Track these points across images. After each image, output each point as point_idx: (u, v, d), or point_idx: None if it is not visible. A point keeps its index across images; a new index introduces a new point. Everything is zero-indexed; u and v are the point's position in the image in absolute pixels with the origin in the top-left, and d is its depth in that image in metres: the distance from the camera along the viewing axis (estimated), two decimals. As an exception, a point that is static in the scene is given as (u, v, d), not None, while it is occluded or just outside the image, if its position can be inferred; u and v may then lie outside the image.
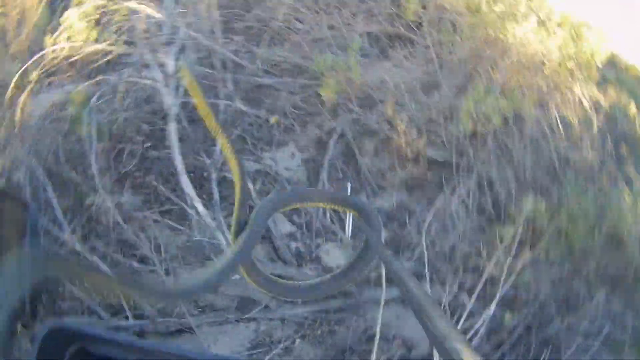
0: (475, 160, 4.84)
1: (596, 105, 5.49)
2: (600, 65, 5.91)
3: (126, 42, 4.85)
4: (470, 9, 5.22)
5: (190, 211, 4.07)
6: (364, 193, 4.75)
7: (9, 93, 4.41)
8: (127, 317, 3.67)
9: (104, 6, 5.05)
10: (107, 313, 3.71)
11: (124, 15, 5.08)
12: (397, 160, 4.84)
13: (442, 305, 3.96)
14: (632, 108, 5.89)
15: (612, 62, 6.39)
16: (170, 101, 3.81)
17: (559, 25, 6.02)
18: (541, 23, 5.85)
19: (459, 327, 3.05)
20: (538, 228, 4.49)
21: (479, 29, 5.23)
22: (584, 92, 5.54)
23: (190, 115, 4.74)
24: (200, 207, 4.00)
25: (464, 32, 5.19)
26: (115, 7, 4.88)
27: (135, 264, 3.93)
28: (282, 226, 4.40)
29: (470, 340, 3.20)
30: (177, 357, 1.13)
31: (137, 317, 3.72)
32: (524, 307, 4.16)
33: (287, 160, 4.87)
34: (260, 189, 4.55)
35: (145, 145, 4.75)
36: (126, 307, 3.67)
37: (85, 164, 4.24)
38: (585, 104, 5.47)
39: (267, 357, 3.77)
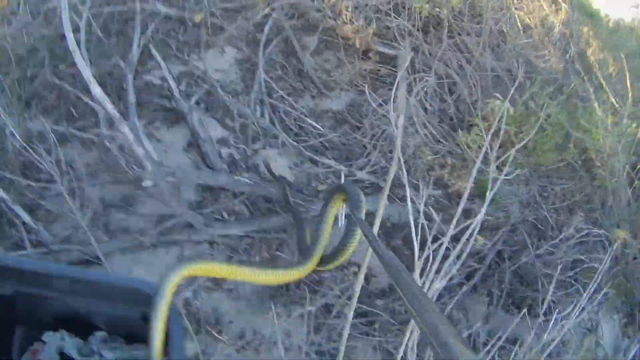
0: (432, 56, 4.19)
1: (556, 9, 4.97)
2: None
3: None
4: None
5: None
6: (307, 94, 4.04)
7: None
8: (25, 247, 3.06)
9: None
10: (4, 243, 3.11)
11: None
12: (344, 56, 4.14)
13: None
14: (586, 27, 5.49)
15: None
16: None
17: None
18: None
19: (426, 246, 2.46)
20: (506, 140, 3.93)
21: None
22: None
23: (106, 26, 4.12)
24: (116, 115, 3.22)
25: None
26: None
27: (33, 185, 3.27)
28: (213, 130, 3.65)
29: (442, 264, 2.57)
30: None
31: (37, 246, 3.10)
32: (494, 230, 3.68)
33: (217, 62, 4.13)
34: (186, 90, 3.81)
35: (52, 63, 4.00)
36: (25, 236, 3.06)
37: None
38: (545, 7, 4.95)
39: (192, 289, 3.10)
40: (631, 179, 4.09)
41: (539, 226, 3.82)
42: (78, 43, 3.24)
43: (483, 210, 2.82)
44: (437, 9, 4.11)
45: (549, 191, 4.06)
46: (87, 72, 2.99)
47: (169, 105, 3.71)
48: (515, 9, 4.81)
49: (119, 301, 1.42)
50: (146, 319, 1.33)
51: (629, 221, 3.96)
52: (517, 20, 4.70)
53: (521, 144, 3.28)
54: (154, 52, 3.81)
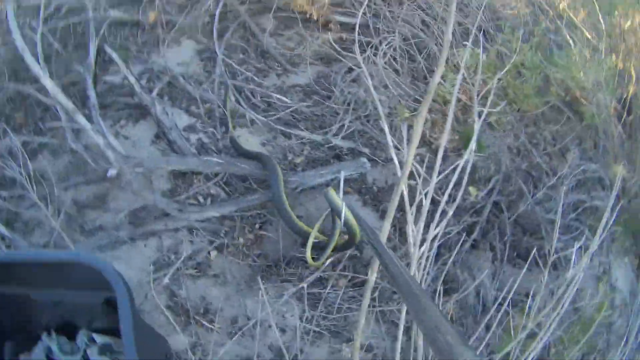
0: (394, 20, 4.06)
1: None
2: None
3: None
4: None
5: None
6: (273, 73, 3.91)
7: None
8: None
9: None
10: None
11: None
12: (304, 30, 4.02)
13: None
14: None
15: None
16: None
17: None
18: None
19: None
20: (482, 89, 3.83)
21: None
22: None
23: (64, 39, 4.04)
24: (69, 107, 3.17)
25: None
26: None
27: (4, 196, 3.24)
28: (179, 119, 3.53)
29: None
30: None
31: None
32: (487, 181, 3.58)
33: (178, 57, 4.03)
34: (148, 85, 3.73)
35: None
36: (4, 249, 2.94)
37: None
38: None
39: (170, 275, 2.98)
40: (619, 114, 4.01)
41: (533, 173, 3.71)
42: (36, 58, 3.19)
43: (468, 152, 2.71)
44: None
45: (538, 137, 3.93)
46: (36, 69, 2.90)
47: (132, 101, 3.60)
48: None
49: (83, 287, 1.34)
50: (110, 304, 1.23)
51: (624, 156, 3.85)
52: None
53: (497, 78, 3.13)
54: (109, 50, 3.70)
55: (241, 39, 4.11)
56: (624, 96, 3.99)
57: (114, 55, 3.68)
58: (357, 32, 2.87)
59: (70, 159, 3.41)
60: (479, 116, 3.55)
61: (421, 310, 1.17)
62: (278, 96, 3.63)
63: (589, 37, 4.07)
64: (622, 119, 3.99)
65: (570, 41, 4.02)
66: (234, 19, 4.13)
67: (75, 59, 3.84)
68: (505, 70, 3.19)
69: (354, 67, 3.83)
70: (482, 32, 4.23)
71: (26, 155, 3.11)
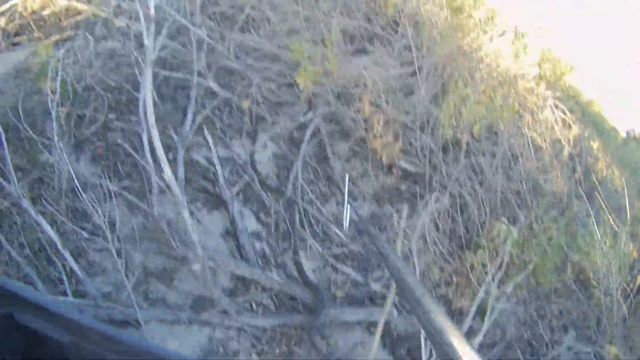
0: (449, 177, 4.43)
1: (566, 132, 5.23)
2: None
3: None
4: (451, 10, 4.82)
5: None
6: (333, 200, 4.26)
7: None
8: (65, 293, 3.14)
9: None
10: (45, 285, 3.17)
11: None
12: (370, 167, 4.38)
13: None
14: (596, 142, 5.72)
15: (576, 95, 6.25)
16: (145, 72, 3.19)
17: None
18: (517, 38, 5.58)
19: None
20: (509, 261, 4.15)
21: (457, 32, 4.85)
22: (555, 117, 5.27)
23: (159, 89, 4.24)
24: (180, 199, 3.37)
25: (443, 34, 4.79)
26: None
27: (85, 236, 3.40)
28: (249, 222, 3.85)
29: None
30: (123, 346, 0.98)
31: (77, 295, 3.21)
32: (490, 347, 3.88)
33: (257, 152, 4.37)
34: (229, 178, 4.00)
35: (110, 115, 4.19)
36: (66, 282, 3.16)
37: (45, 123, 3.72)
38: (556, 129, 5.22)
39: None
40: (626, 295, 4.19)
41: (534, 343, 4.01)
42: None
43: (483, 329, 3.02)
44: (459, 135, 4.36)
45: (546, 310, 4.22)
46: (157, 144, 3.05)
47: (212, 189, 3.88)
48: (528, 128, 5.02)
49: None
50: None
51: (622, 337, 4.13)
52: (530, 142, 4.89)
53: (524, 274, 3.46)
54: (207, 135, 3.98)
55: (315, 157, 4.44)
56: (634, 281, 4.20)
57: (210, 140, 3.97)
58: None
59: (145, 222, 3.65)
60: (498, 286, 3.96)
61: (425, 312, 1.20)
62: (336, 230, 3.96)
63: (613, 224, 4.24)
64: (628, 299, 4.17)
65: (595, 227, 4.19)
66: (313, 134, 4.46)
67: (168, 113, 4.12)
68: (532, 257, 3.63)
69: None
70: (519, 202, 4.61)
71: (108, 194, 3.36)
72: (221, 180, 3.80)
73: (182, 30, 4.59)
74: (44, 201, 3.39)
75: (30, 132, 3.66)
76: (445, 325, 1.13)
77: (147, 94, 3.06)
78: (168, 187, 3.23)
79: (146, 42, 3.02)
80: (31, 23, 4.73)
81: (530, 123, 5.07)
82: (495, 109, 4.46)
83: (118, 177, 3.89)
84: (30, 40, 4.74)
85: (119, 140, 3.95)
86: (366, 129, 4.35)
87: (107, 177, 3.70)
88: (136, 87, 3.67)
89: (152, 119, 3.05)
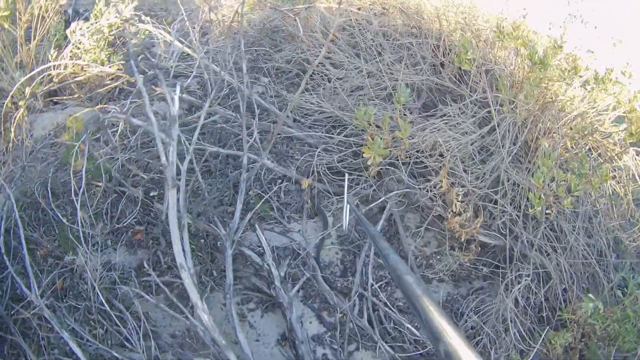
0: (530, 245, 3.95)
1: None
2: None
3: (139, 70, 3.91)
4: (533, 64, 4.22)
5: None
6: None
7: (5, 106, 3.91)
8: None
9: (118, 26, 4.11)
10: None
11: (141, 39, 4.16)
12: (446, 244, 3.91)
13: None
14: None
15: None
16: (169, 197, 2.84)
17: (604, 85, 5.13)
18: (597, 83, 5.00)
19: None
20: (587, 332, 3.72)
21: (540, 86, 4.28)
22: (637, 163, 4.72)
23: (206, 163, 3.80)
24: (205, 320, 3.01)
25: (525, 89, 4.23)
26: (132, 28, 3.97)
27: (115, 348, 3.02)
28: (309, 323, 3.43)
29: None
30: None
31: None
32: None
33: (316, 233, 3.87)
34: (287, 272, 3.58)
35: (150, 194, 3.78)
36: None
37: (75, 206, 3.35)
38: (637, 177, 4.67)
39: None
40: None
41: None
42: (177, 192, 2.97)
43: None
44: (549, 211, 3.84)
45: None
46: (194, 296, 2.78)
47: (267, 290, 3.45)
48: (613, 176, 4.53)
49: None
50: None
51: None
52: (611, 194, 4.44)
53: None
54: (259, 233, 3.57)
55: (384, 233, 3.96)
56: None
57: (262, 239, 3.55)
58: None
59: (186, 331, 3.27)
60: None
61: (425, 311, 1.17)
62: (409, 327, 3.50)
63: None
64: None
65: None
66: (379, 210, 4.00)
67: (213, 205, 3.70)
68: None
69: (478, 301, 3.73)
70: (601, 263, 4.14)
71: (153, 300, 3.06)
72: (277, 282, 3.34)
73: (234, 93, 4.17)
74: (71, 307, 3.14)
75: (59, 215, 3.43)
76: (445, 326, 1.08)
77: (175, 233, 2.69)
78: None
79: (163, 159, 2.67)
80: (72, 83, 4.40)
81: (610, 171, 4.55)
82: (582, 176, 3.91)
83: (159, 269, 3.52)
84: (72, 99, 4.40)
85: (159, 226, 3.60)
86: (443, 206, 3.87)
87: (144, 270, 3.38)
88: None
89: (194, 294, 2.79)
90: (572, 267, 4.00)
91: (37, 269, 3.29)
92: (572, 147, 4.57)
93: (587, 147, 4.67)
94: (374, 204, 3.85)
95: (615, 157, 4.67)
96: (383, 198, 3.81)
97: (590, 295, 3.63)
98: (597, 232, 4.27)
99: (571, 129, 4.57)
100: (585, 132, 4.53)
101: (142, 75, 3.29)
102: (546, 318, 3.84)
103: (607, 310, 3.69)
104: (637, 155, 4.76)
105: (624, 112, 4.81)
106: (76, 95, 4.52)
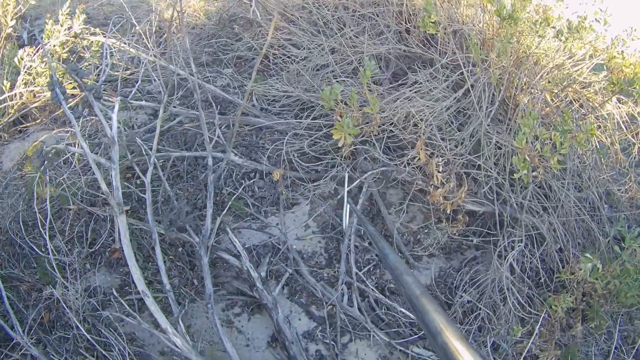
0: (520, 208, 3.72)
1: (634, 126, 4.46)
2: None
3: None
4: (500, 17, 3.96)
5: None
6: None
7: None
8: None
9: (71, 43, 3.89)
10: None
11: (95, 51, 3.93)
12: (433, 219, 3.68)
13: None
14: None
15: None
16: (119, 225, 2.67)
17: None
18: (571, 32, 4.75)
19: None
20: (588, 291, 3.56)
21: (513, 41, 4.03)
22: (621, 111, 4.48)
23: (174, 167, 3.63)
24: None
25: (496, 47, 3.97)
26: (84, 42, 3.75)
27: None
28: (298, 321, 3.20)
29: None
30: None
31: None
32: None
33: (298, 227, 3.63)
34: (268, 270, 3.34)
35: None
36: None
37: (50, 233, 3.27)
38: (622, 125, 4.45)
39: None
40: None
41: None
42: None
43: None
44: (535, 173, 3.60)
45: (630, 332, 3.61)
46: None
47: (249, 292, 3.24)
48: (598, 127, 4.31)
49: None
50: None
51: None
52: (598, 146, 4.21)
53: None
54: (232, 236, 3.35)
55: (365, 214, 3.73)
56: None
57: (237, 244, 3.34)
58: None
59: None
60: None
61: (424, 311, 1.15)
62: (403, 310, 3.27)
63: None
64: None
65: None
66: (357, 190, 3.76)
67: (185, 212, 3.46)
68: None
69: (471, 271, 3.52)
70: (596, 217, 3.94)
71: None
72: (258, 284, 3.13)
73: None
74: (60, 338, 2.96)
75: (34, 247, 3.30)
76: (445, 326, 1.05)
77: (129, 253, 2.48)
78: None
79: (104, 186, 2.50)
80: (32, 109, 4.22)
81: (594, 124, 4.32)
82: (566, 132, 3.67)
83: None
84: (36, 124, 4.21)
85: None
86: (424, 179, 3.63)
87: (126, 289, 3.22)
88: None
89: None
90: (565, 225, 3.81)
91: (23, 305, 3.17)
92: (552, 100, 4.36)
93: (568, 99, 4.41)
94: (350, 186, 3.58)
95: (598, 107, 4.44)
96: (359, 180, 3.56)
97: (588, 254, 3.42)
98: (587, 186, 4.07)
99: (549, 82, 4.35)
100: (564, 84, 4.32)
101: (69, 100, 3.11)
102: (544, 282, 3.65)
103: (606, 267, 3.50)
104: (620, 102, 4.55)
105: (602, 60, 4.58)
106: (39, 120, 4.28)
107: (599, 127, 4.35)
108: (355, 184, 3.59)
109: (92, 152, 3.64)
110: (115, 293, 3.12)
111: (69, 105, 3.94)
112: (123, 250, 2.77)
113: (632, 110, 4.51)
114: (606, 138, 4.34)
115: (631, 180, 4.35)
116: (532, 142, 3.51)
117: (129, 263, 2.74)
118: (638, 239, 3.48)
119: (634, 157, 4.44)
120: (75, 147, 3.30)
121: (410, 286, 1.35)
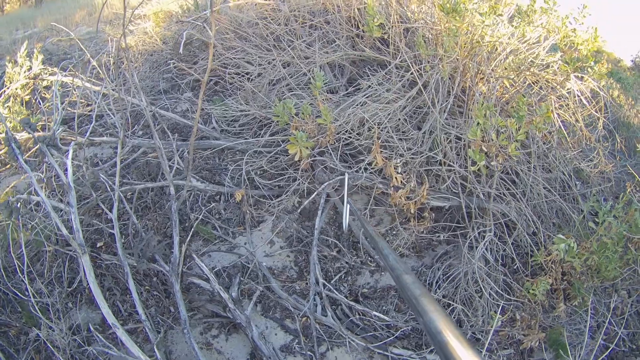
0: (486, 197, 3.77)
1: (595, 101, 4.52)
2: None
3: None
4: (444, 11, 4.02)
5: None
6: (367, 271, 3.63)
7: None
8: None
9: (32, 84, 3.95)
10: None
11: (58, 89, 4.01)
12: (397, 220, 3.73)
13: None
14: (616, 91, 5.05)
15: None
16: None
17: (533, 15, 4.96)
18: (521, 16, 4.82)
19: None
20: (567, 270, 3.61)
21: (460, 35, 4.08)
22: (581, 88, 4.54)
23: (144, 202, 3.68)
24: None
25: (444, 43, 4.03)
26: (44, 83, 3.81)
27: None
28: (274, 336, 3.26)
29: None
30: None
31: None
32: None
33: (264, 244, 3.69)
34: (240, 289, 3.39)
35: (97, 245, 3.63)
36: None
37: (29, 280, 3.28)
38: (585, 102, 4.50)
39: None
40: None
41: (614, 347, 3.42)
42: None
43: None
44: (494, 163, 3.65)
45: (616, 303, 3.64)
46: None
47: (222, 313, 3.30)
48: (560, 106, 4.37)
49: None
50: None
51: None
52: (561, 126, 4.24)
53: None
54: (199, 262, 3.41)
55: (330, 225, 3.78)
56: None
57: (205, 269, 3.39)
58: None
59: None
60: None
61: (424, 311, 1.16)
62: (376, 314, 3.33)
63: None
64: None
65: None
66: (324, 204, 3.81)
67: (154, 242, 3.53)
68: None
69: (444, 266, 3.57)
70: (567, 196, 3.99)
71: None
72: (229, 304, 3.19)
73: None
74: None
75: (17, 292, 3.33)
76: (445, 326, 1.06)
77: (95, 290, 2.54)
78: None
79: (64, 230, 2.54)
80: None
81: (556, 104, 4.38)
82: (522, 118, 3.72)
83: (121, 318, 3.35)
84: (6, 169, 4.28)
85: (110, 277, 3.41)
86: (384, 182, 3.69)
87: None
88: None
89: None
90: (536, 208, 3.87)
91: (13, 349, 3.21)
92: (510, 85, 4.41)
93: (527, 83, 4.47)
94: (309, 198, 3.63)
95: (558, 87, 4.49)
96: (317, 192, 3.62)
97: (561, 235, 3.45)
98: (555, 166, 4.11)
99: (505, 68, 4.41)
100: (521, 69, 4.37)
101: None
102: (519, 268, 3.72)
103: (582, 244, 3.54)
104: (582, 80, 4.60)
105: (558, 41, 4.65)
106: (8, 166, 4.34)
107: (562, 106, 4.41)
108: (313, 196, 3.64)
109: (58, 193, 3.73)
110: (91, 329, 3.18)
111: (26, 156, 4.05)
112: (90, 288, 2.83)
113: (594, 86, 4.58)
114: (569, 116, 4.39)
115: (599, 155, 4.42)
116: (488, 132, 3.56)
117: (96, 299, 2.79)
118: (612, 212, 3.53)
119: (600, 131, 4.50)
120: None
121: (410, 286, 1.34)
